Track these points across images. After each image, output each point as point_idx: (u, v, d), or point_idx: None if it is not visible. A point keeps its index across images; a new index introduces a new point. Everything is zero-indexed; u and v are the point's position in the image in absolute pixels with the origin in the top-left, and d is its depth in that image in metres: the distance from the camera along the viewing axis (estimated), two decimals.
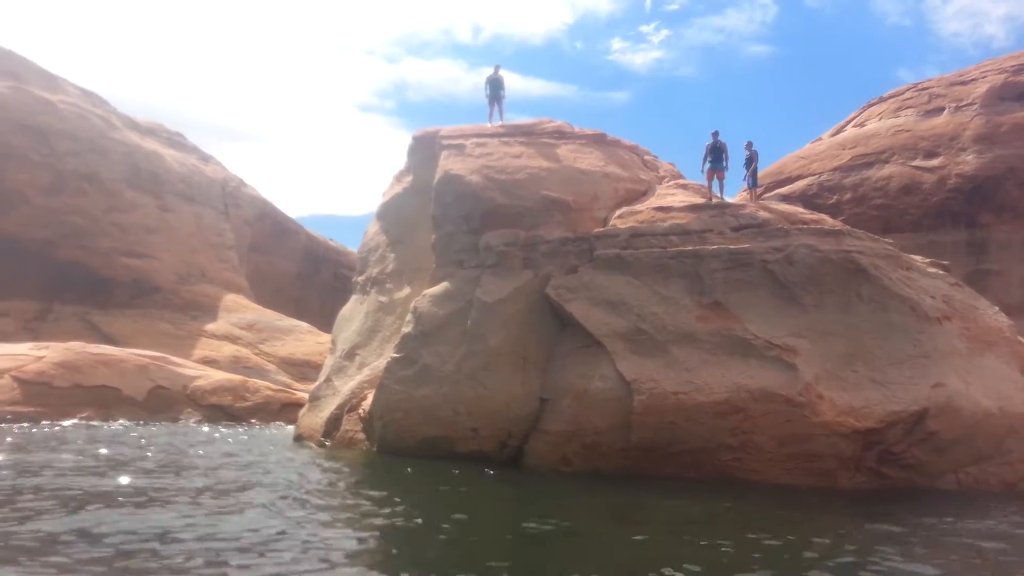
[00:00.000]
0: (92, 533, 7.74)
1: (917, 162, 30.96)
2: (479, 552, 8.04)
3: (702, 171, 17.45)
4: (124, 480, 11.32)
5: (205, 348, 33.49)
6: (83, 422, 21.79)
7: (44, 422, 21.11)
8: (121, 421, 22.71)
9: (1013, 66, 31.81)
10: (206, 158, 47.31)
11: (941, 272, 16.81)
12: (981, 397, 13.97)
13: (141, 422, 22.81)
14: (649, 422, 13.57)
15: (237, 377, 27.82)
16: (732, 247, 14.94)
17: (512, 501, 11.77)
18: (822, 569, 7.67)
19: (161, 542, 7.59)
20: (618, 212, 16.82)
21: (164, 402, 24.71)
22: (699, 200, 16.87)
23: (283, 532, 8.26)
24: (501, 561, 7.61)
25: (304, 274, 51.44)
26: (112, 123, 40.09)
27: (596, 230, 16.14)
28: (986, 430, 13.89)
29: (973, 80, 32.38)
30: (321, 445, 17.60)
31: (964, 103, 31.58)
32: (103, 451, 15.06)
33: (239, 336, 35.16)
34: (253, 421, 25.09)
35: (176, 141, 45.74)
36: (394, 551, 7.94)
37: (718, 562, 7.85)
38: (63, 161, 36.43)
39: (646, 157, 19.68)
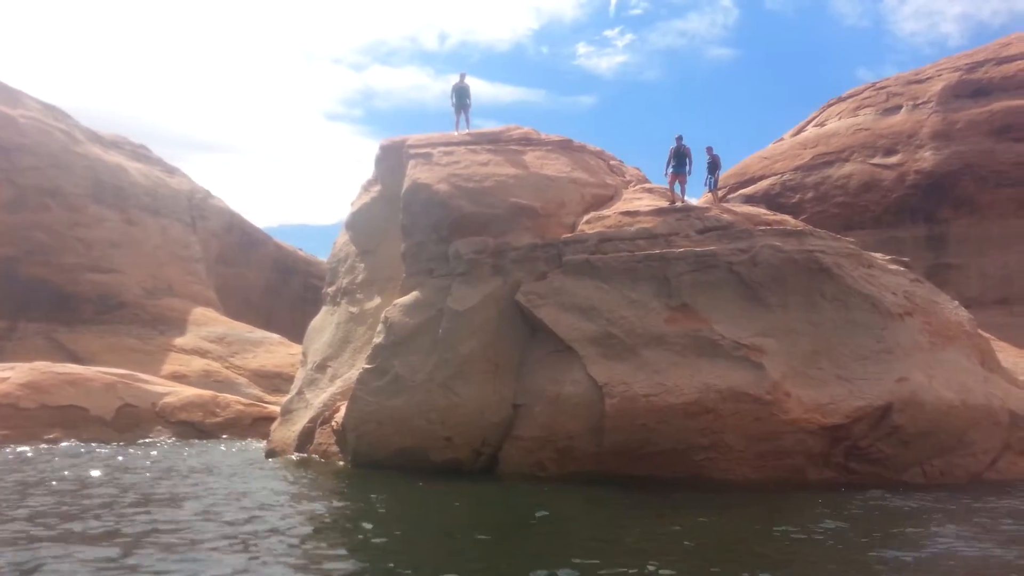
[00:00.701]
0: (44, 568, 7.58)
1: (876, 160, 31.61)
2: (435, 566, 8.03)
3: (665, 175, 17.71)
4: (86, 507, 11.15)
5: (174, 363, 33.06)
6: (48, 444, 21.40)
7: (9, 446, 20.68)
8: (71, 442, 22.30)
9: (967, 64, 32.60)
10: (171, 170, 46.71)
11: (902, 268, 17.19)
12: (943, 390, 14.31)
13: (95, 443, 22.41)
14: (621, 425, 13.70)
15: (207, 392, 27.49)
16: (698, 250, 15.16)
17: (474, 512, 11.77)
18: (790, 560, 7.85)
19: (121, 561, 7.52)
20: (586, 217, 16.94)
21: (133, 420, 24.33)
22: (665, 204, 17.08)
23: (244, 549, 8.25)
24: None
25: (273, 285, 50.95)
26: (75, 137, 39.46)
27: (564, 236, 16.25)
28: (949, 423, 14.24)
29: (929, 78, 33.13)
30: (296, 459, 17.49)
31: (921, 101, 32.30)
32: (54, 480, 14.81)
33: (209, 350, 34.76)
34: (224, 437, 24.83)
35: (140, 154, 45.12)
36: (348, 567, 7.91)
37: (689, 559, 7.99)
38: (25, 176, 35.80)
39: (612, 162, 19.85)
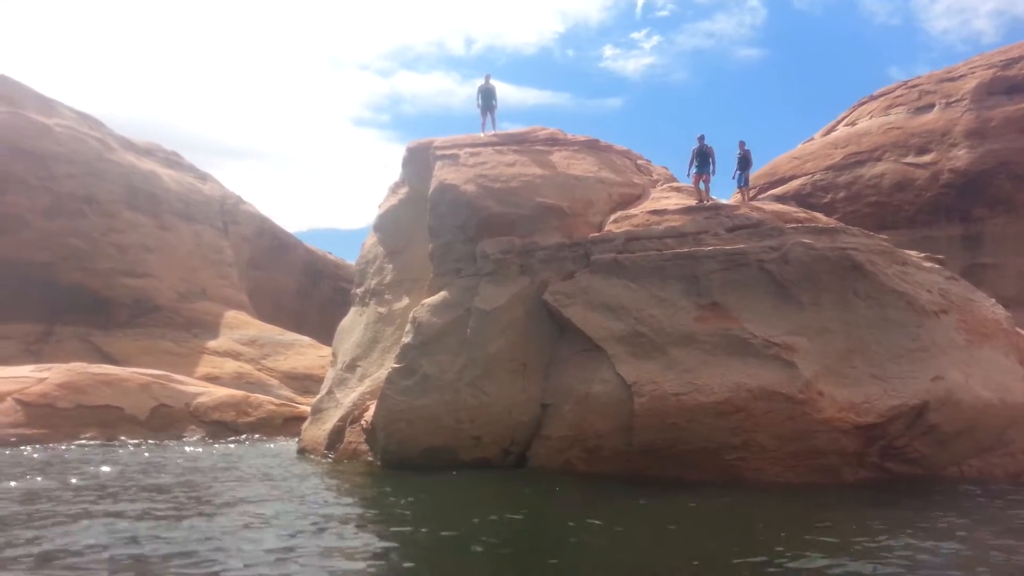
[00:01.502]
0: (95, 555, 7.73)
1: (909, 159, 31.09)
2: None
3: (688, 175, 17.67)
4: (124, 503, 11.34)
5: (207, 365, 33.52)
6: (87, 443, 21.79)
7: (51, 444, 21.09)
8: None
9: (1001, 61, 31.95)
10: (203, 176, 47.43)
11: (937, 266, 16.89)
12: (981, 389, 14.02)
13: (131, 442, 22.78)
14: (651, 424, 13.61)
15: (239, 393, 27.83)
16: (728, 248, 15.02)
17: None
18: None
19: (163, 558, 7.61)
20: (613, 216, 16.90)
21: (167, 420, 24.70)
22: (693, 203, 16.97)
23: (281, 547, 8.30)
24: None
25: (304, 288, 51.50)
26: (109, 145, 40.23)
27: (592, 235, 16.22)
28: (987, 422, 13.95)
29: (962, 76, 32.52)
30: (325, 458, 17.64)
31: (954, 99, 31.71)
32: (97, 469, 15.08)
33: (241, 352, 35.20)
34: (257, 436, 25.11)
35: (173, 160, 45.86)
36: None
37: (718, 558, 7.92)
38: (61, 184, 36.55)
39: (639, 161, 19.80)
